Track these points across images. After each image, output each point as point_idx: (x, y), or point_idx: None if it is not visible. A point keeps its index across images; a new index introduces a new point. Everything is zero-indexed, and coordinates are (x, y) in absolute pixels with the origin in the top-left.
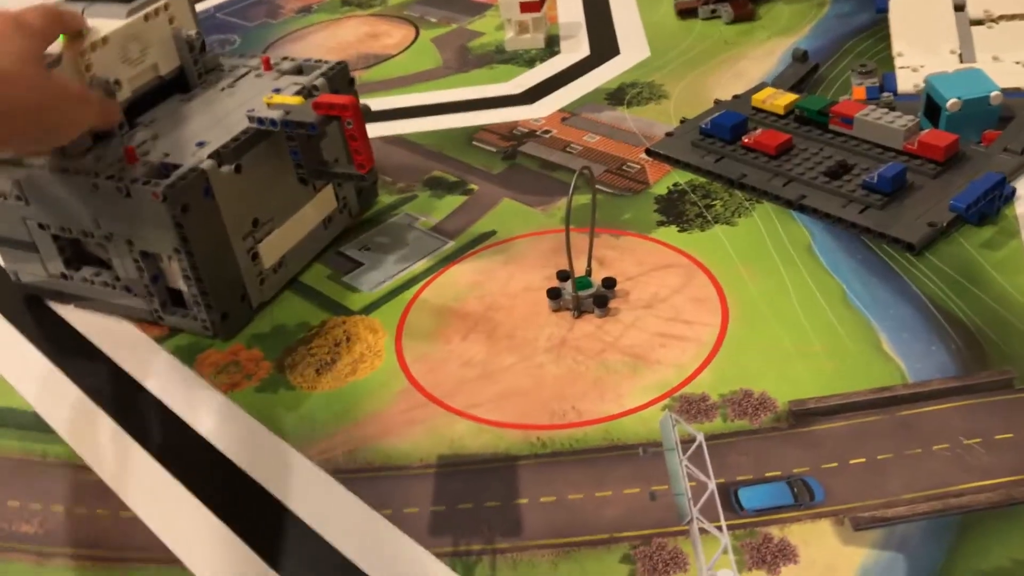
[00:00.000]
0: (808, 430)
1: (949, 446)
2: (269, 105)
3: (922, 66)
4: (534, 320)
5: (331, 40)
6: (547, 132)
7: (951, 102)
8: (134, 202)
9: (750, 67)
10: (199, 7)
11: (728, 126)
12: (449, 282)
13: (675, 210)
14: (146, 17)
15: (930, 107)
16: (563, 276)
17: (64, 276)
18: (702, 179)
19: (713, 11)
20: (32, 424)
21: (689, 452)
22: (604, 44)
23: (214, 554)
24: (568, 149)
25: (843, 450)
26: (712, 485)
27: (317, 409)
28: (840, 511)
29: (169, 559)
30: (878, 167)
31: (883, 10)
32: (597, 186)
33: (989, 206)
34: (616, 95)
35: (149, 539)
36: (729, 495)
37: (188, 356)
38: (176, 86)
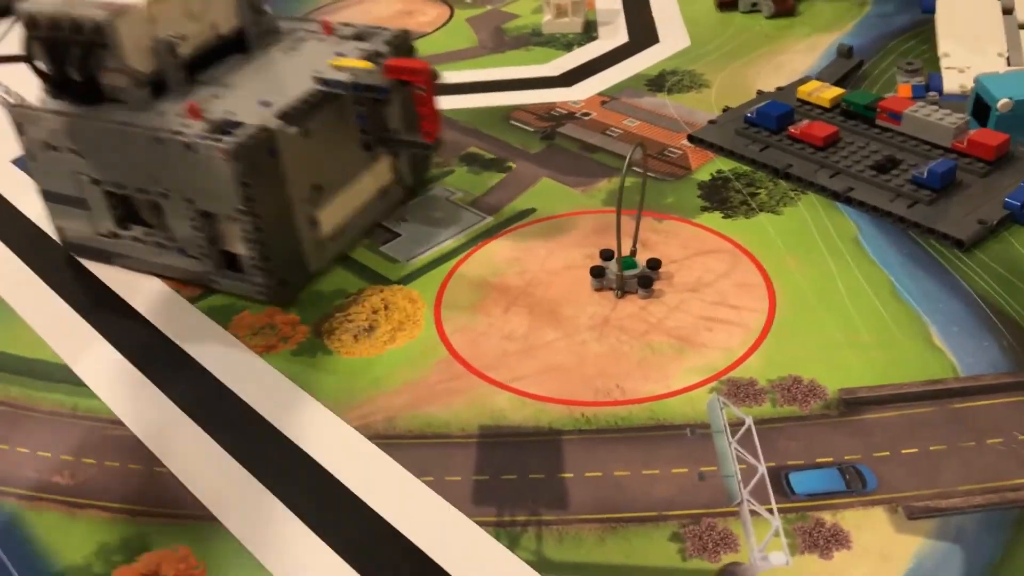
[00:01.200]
0: (859, 418)
1: (1003, 440)
2: (336, 68)
3: (968, 67)
4: (576, 298)
5: (365, 15)
6: (586, 114)
7: (1002, 102)
8: (198, 158)
9: (791, 61)
10: None
11: (774, 116)
12: (487, 257)
13: (718, 196)
14: None
15: (979, 107)
16: (606, 255)
17: (114, 234)
18: (746, 167)
19: (754, 5)
20: (63, 377)
21: (738, 435)
22: (643, 32)
23: (250, 512)
24: (608, 132)
25: (895, 439)
26: (762, 468)
27: (355, 374)
28: (893, 499)
29: (205, 515)
30: (926, 163)
31: (930, 10)
32: (641, 169)
33: None
34: (656, 82)
35: (184, 495)
36: (780, 479)
37: (222, 317)
38: (235, 46)
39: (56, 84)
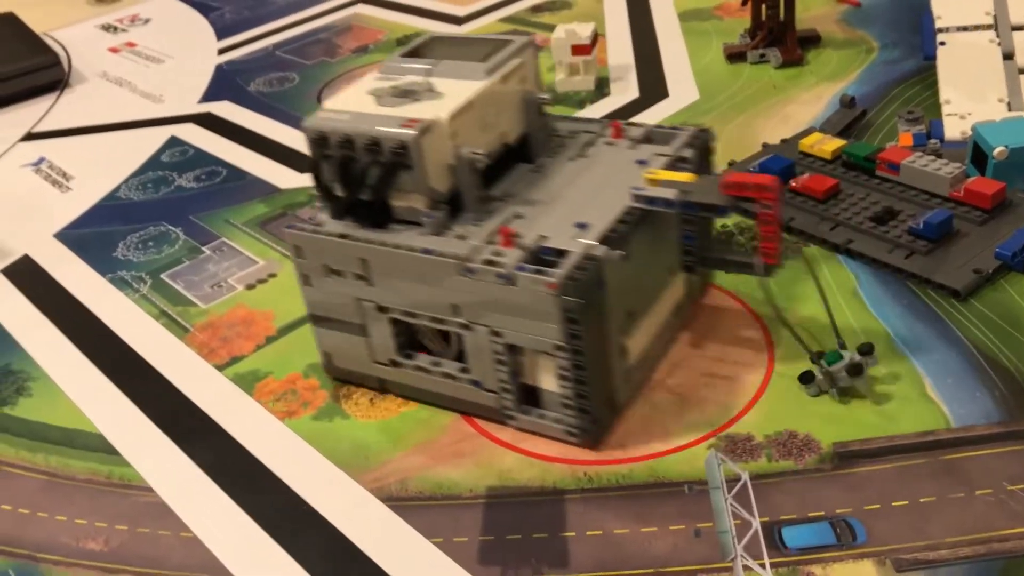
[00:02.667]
0: (852, 471)
1: (992, 491)
2: (652, 182)
3: (969, 114)
4: None
5: None
6: None
7: (998, 150)
8: (516, 291)
9: (798, 111)
10: (256, 46)
11: (776, 170)
12: None
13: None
14: (504, 78)
15: (977, 155)
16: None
17: (394, 363)
18: (750, 221)
19: (762, 55)
20: (99, 446)
21: (734, 491)
22: (653, 87)
23: (270, 574)
24: None
25: (886, 492)
26: (756, 523)
27: (371, 438)
28: (882, 552)
29: None
30: (924, 213)
31: (931, 57)
32: None
33: None
34: None
35: (209, 559)
36: (773, 533)
37: (247, 384)
38: (518, 155)
39: (343, 205)
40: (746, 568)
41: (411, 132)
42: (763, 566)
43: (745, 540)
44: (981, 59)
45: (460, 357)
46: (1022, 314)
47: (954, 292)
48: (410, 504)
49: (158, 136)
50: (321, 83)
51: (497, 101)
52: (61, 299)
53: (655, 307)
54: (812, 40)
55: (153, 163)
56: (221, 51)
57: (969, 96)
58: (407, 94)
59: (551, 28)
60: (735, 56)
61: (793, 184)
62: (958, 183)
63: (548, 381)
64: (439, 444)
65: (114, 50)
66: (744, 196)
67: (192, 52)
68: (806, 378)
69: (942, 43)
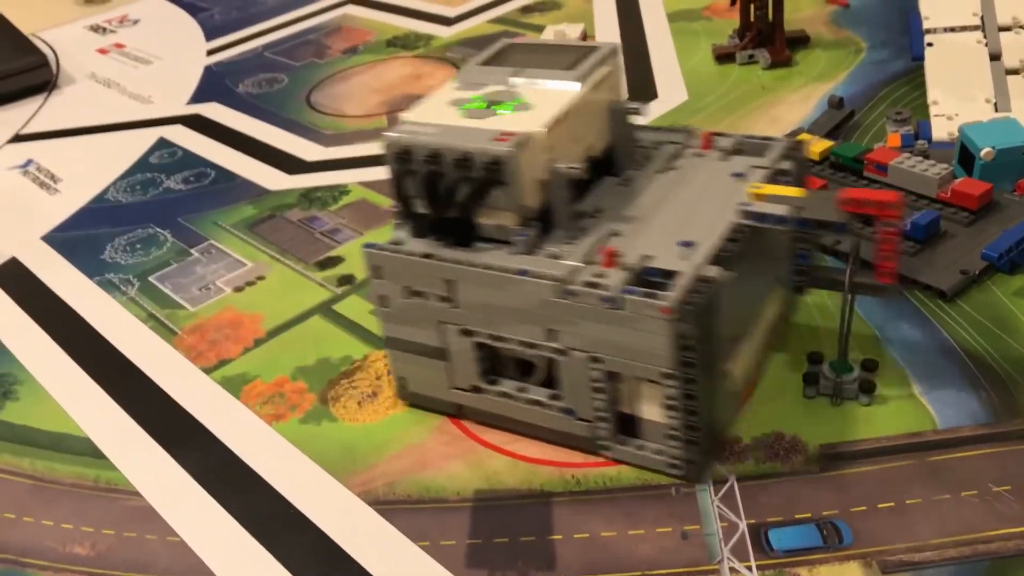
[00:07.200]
0: (838, 473)
1: (978, 493)
2: (758, 197)
3: (957, 114)
4: None
5: (376, 81)
6: None
7: (985, 151)
8: (622, 316)
9: (786, 112)
10: (245, 47)
11: None
12: None
13: None
14: (595, 87)
15: (964, 156)
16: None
17: (476, 388)
18: None
19: (751, 56)
20: (85, 450)
21: (721, 493)
22: (643, 87)
23: None
24: None
25: (872, 494)
26: (743, 525)
27: (358, 441)
28: (868, 554)
29: None
30: (912, 214)
31: (919, 58)
32: None
33: (1022, 255)
34: None
35: (196, 563)
36: (759, 535)
37: (234, 387)
38: (603, 167)
39: (427, 223)
40: (732, 570)
41: (507, 146)
42: (749, 568)
43: (732, 542)
44: (968, 60)
45: (548, 383)
46: (1008, 315)
47: (940, 293)
48: (397, 507)
49: (147, 138)
50: (310, 84)
51: (588, 111)
52: (48, 302)
53: (755, 329)
54: (801, 41)
55: (141, 165)
56: (210, 52)
57: (957, 97)
58: (492, 104)
59: (541, 29)
60: (724, 57)
61: None
62: (945, 184)
63: (651, 411)
64: (427, 447)
65: (103, 51)
66: (863, 213)
67: (181, 53)
68: (810, 379)
69: (930, 44)
